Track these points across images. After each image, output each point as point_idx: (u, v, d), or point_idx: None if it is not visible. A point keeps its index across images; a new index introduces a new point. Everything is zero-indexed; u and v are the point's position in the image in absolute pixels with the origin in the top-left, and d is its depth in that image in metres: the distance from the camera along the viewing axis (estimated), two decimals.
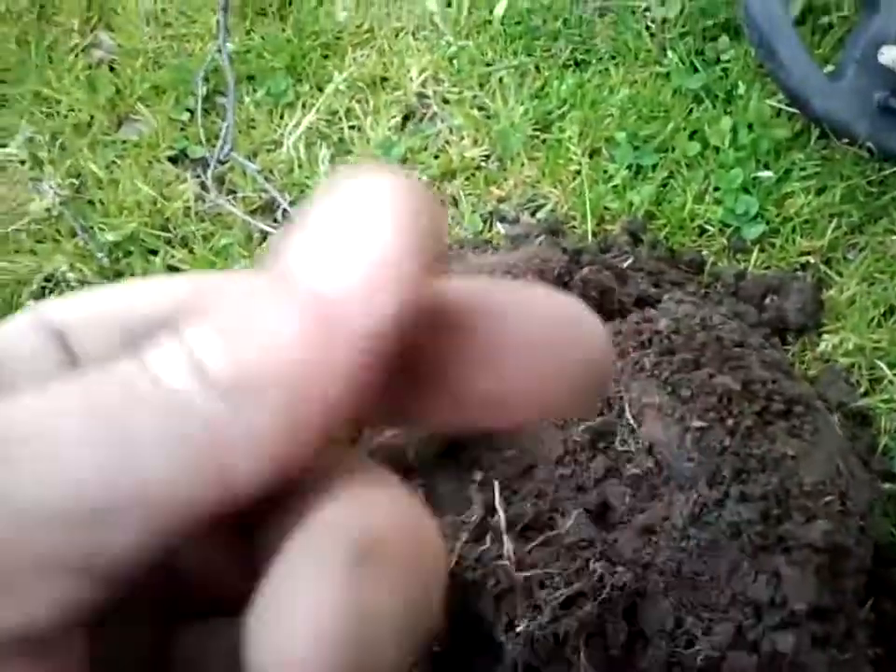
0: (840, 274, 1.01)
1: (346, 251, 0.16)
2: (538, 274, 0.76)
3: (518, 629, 0.66)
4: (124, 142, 1.17)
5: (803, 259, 1.02)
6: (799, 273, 1.01)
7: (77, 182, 1.14)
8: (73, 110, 1.20)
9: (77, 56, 1.24)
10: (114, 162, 1.15)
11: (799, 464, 0.71)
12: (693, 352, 0.75)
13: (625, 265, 0.92)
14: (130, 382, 0.17)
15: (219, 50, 1.20)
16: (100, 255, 1.06)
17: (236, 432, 0.16)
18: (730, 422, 0.72)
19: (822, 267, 1.02)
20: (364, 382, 0.17)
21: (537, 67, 1.18)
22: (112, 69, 1.23)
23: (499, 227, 1.08)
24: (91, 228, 1.10)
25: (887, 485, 0.88)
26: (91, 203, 1.12)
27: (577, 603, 0.66)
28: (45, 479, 0.16)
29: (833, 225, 1.03)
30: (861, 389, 0.95)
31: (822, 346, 0.97)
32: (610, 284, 0.81)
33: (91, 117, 1.19)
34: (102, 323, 0.21)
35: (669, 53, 1.15)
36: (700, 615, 0.67)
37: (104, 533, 0.16)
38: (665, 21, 1.18)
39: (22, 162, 1.16)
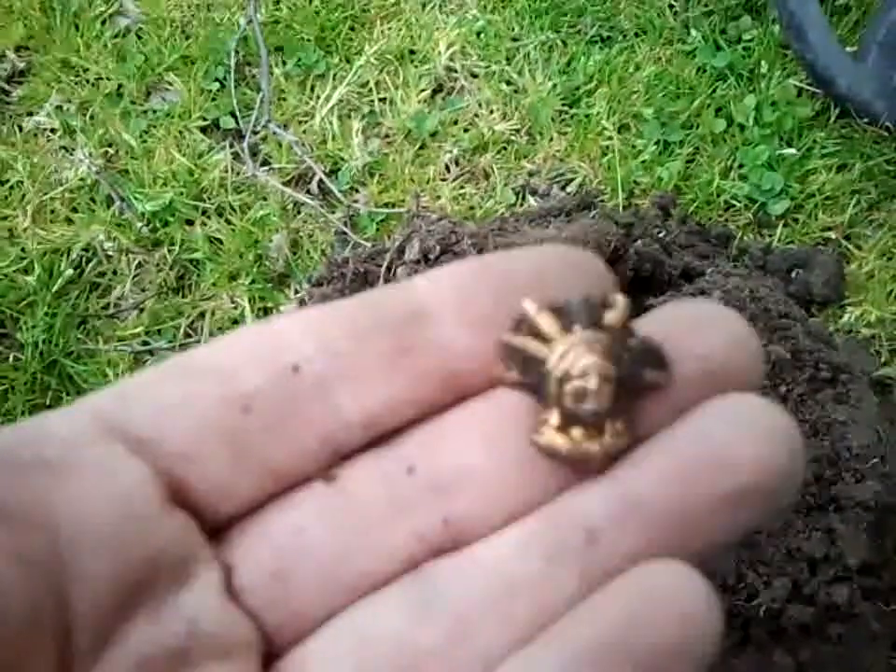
0: (860, 249, 1.06)
1: None
2: (596, 247, 0.80)
3: None
4: (155, 111, 1.18)
5: (825, 235, 1.07)
6: (822, 248, 1.05)
7: (110, 151, 1.15)
8: (101, 79, 1.20)
9: (103, 24, 1.24)
10: (146, 132, 1.16)
11: (848, 429, 0.75)
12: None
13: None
14: None
15: (250, 21, 1.21)
16: (139, 224, 1.08)
17: None
18: (783, 389, 0.76)
19: (843, 242, 1.06)
20: None
21: (563, 42, 1.20)
22: (139, 38, 1.24)
23: (531, 200, 1.11)
24: (127, 197, 1.11)
25: None
26: (125, 172, 1.13)
27: None
28: None
29: (853, 202, 1.07)
30: (882, 359, 1.00)
31: (846, 318, 1.01)
32: (661, 257, 0.85)
33: (120, 86, 1.20)
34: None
35: (693, 31, 1.19)
36: (758, 570, 0.71)
37: None
38: None
39: (53, 131, 1.17)
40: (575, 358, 0.22)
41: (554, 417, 0.22)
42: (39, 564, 0.19)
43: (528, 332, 0.22)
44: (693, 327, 0.23)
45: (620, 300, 0.22)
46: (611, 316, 0.22)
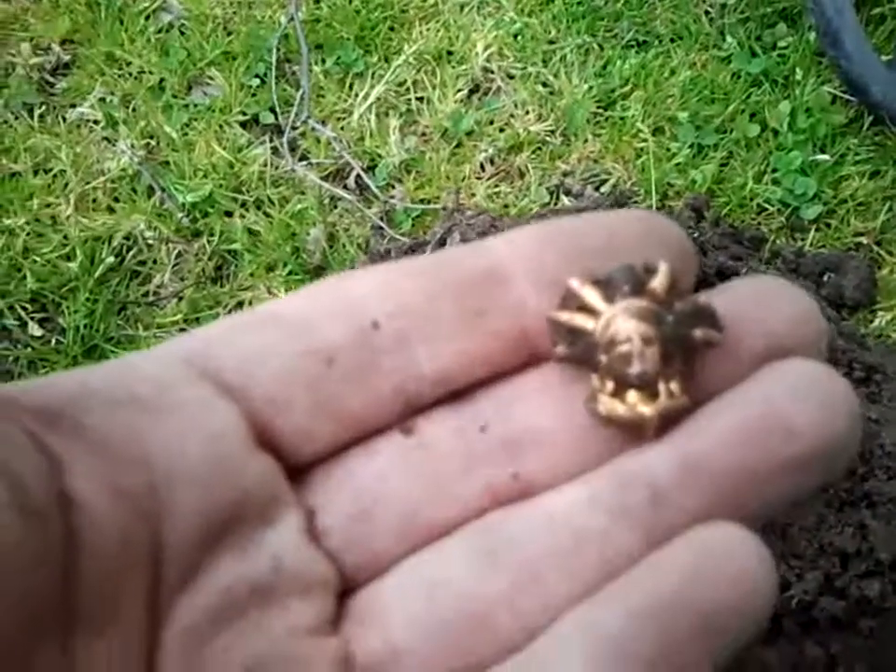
0: (891, 254, 1.07)
1: None
2: None
3: None
4: (196, 105, 1.20)
5: (857, 240, 1.07)
6: (854, 253, 1.06)
7: (151, 143, 1.17)
8: (144, 72, 1.23)
9: (147, 19, 1.26)
10: (187, 125, 1.18)
11: (881, 427, 0.76)
12: None
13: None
14: None
15: (291, 19, 1.23)
16: (179, 215, 1.10)
17: None
18: None
19: (875, 248, 1.07)
20: None
21: (599, 46, 1.22)
22: (182, 33, 1.26)
23: (565, 200, 1.12)
24: (168, 188, 1.13)
25: None
26: (166, 164, 1.15)
27: None
28: None
29: (885, 208, 1.08)
30: None
31: (876, 322, 1.02)
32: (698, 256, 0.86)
33: (162, 79, 1.22)
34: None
35: (728, 38, 1.20)
36: (791, 563, 0.72)
37: None
38: (724, 6, 1.23)
39: (96, 122, 1.19)
40: (618, 325, 0.23)
41: (607, 385, 0.23)
42: (134, 497, 0.20)
43: (576, 307, 0.23)
44: (759, 303, 0.23)
45: (663, 265, 0.23)
46: (655, 282, 0.23)
